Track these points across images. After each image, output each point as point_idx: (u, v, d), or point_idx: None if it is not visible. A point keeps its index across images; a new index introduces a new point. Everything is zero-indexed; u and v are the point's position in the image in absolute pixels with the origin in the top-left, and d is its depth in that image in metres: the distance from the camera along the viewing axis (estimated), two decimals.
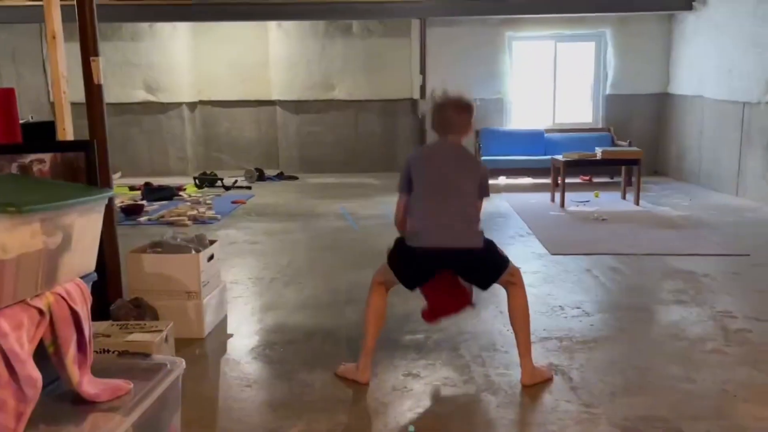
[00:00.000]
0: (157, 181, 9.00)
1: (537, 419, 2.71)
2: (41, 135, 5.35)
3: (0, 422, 1.57)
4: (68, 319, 1.79)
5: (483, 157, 8.35)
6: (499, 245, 3.12)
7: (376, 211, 7.26)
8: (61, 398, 1.85)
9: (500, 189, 8.42)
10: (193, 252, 3.63)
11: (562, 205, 7.27)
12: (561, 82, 9.89)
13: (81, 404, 1.82)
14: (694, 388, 2.92)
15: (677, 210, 7.02)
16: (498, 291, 4.27)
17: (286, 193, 8.60)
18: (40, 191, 1.88)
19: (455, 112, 3.03)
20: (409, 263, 2.99)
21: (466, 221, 2.95)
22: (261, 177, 9.63)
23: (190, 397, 2.79)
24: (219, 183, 9.07)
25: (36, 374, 1.64)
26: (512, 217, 6.76)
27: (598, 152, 7.51)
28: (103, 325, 3.05)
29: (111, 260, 3.73)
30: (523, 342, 3.02)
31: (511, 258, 3.12)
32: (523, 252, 5.33)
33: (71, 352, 1.80)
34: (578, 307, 4.01)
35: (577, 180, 8.98)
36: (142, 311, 3.41)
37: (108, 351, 2.82)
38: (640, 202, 7.36)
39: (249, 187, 8.98)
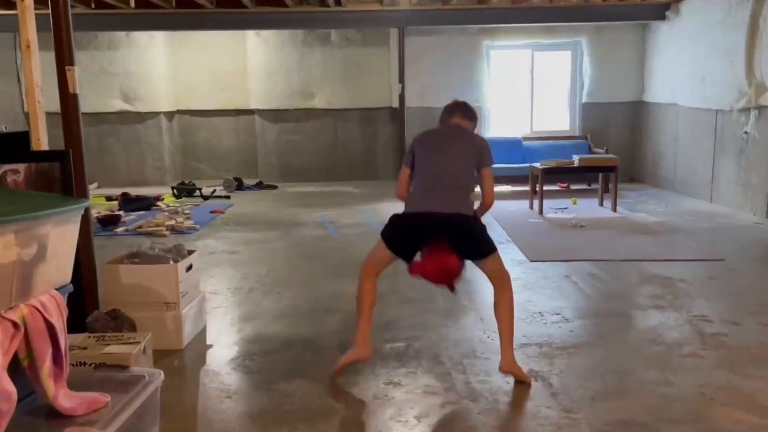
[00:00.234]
0: (134, 191, 8.91)
1: (518, 425, 2.71)
2: (15, 145, 5.23)
3: None
4: (43, 332, 1.76)
5: None
6: None
7: (356, 219, 7.26)
8: (37, 412, 1.81)
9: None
10: (171, 262, 3.60)
11: (541, 212, 7.33)
12: (538, 91, 10.00)
13: (57, 418, 1.79)
14: (672, 392, 2.95)
15: (654, 216, 7.12)
16: (478, 298, 4.31)
17: (266, 203, 8.56)
18: (14, 202, 1.85)
19: (461, 117, 3.37)
20: (402, 231, 3.18)
21: (459, 190, 3.15)
22: (240, 186, 9.58)
23: (169, 409, 2.76)
24: (197, 193, 9.00)
25: (10, 388, 1.61)
26: (491, 224, 6.79)
27: (576, 160, 7.60)
28: (80, 338, 3.00)
29: (87, 271, 3.68)
30: (506, 332, 3.13)
31: None
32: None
33: (46, 365, 1.77)
34: (558, 314, 4.04)
35: (555, 187, 9.07)
36: (120, 323, 3.36)
37: (84, 364, 2.77)
38: (617, 208, 7.45)
39: (228, 197, 8.93)
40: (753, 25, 6.85)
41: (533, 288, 4.59)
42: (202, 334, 3.81)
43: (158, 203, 8.30)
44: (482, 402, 2.89)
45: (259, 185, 9.87)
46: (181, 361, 3.44)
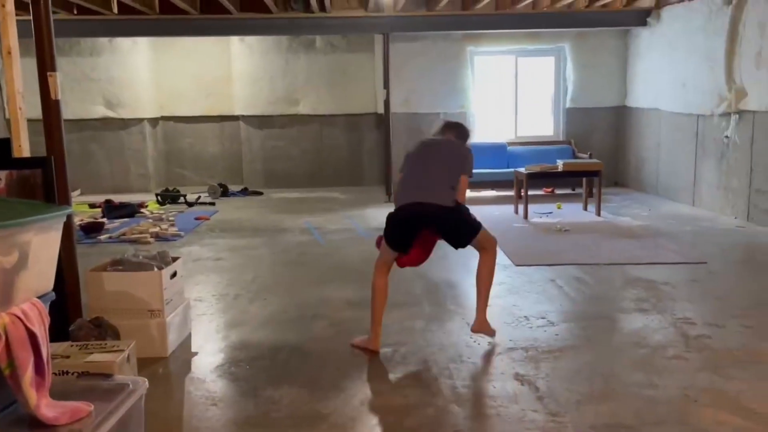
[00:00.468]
0: (118, 198, 8.84)
1: (504, 430, 2.72)
2: None
3: None
4: (25, 341, 1.74)
5: None
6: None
7: (342, 225, 7.26)
8: (19, 422, 1.79)
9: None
10: (156, 269, 3.57)
11: (526, 216, 7.37)
12: (522, 96, 10.07)
13: (39, 428, 1.76)
14: (657, 394, 2.97)
15: (637, 220, 7.18)
16: (464, 302, 4.32)
17: (251, 209, 8.53)
18: None
19: (454, 136, 3.77)
20: (396, 226, 3.55)
21: (441, 185, 3.51)
22: (225, 193, 9.54)
23: (153, 418, 2.73)
24: (182, 199, 8.95)
25: None
26: None
27: (560, 164, 7.65)
28: (62, 346, 2.96)
29: (70, 279, 3.63)
30: (482, 298, 3.63)
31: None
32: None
33: (28, 375, 1.75)
34: (543, 317, 4.06)
35: (540, 192, 9.12)
36: (103, 331, 3.32)
37: (67, 372, 2.74)
38: (601, 212, 7.51)
39: (212, 203, 8.88)
40: (733, 31, 6.95)
41: (519, 292, 4.60)
42: (187, 341, 3.78)
43: (142, 210, 8.24)
44: (469, 406, 2.90)
45: (245, 191, 9.83)
46: (166, 368, 3.41)
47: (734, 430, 2.64)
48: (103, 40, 9.78)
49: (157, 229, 6.89)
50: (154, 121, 10.38)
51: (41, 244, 1.82)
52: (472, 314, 4.10)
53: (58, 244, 1.93)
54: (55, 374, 2.12)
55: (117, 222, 7.53)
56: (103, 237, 6.76)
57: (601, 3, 8.58)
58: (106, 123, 10.08)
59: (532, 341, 3.66)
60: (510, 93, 10.05)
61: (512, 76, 9.98)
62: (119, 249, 5.68)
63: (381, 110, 9.68)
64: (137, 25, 8.73)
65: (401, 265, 3.74)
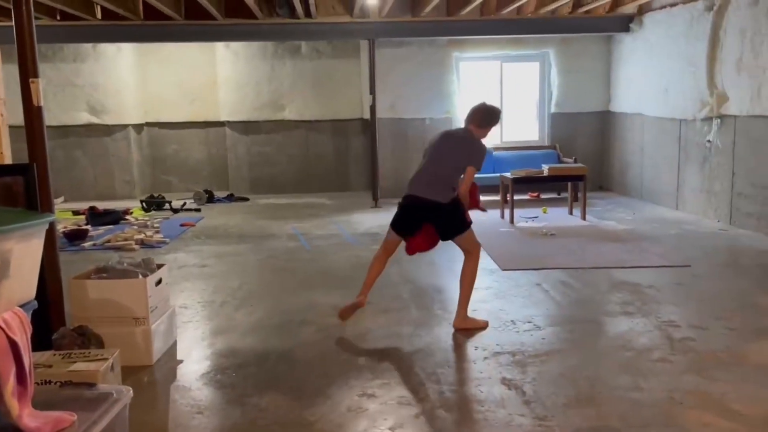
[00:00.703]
0: (102, 205, 8.76)
1: None
2: None
3: None
4: (6, 350, 1.72)
5: None
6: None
7: (329, 231, 7.24)
8: None
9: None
10: (140, 276, 3.54)
11: (512, 221, 7.40)
12: (508, 101, 10.12)
13: None
14: (643, 397, 2.99)
15: (622, 224, 7.24)
16: (451, 306, 4.33)
17: (237, 215, 8.49)
18: None
19: (474, 125, 4.16)
20: (399, 212, 4.07)
21: (441, 183, 3.93)
22: (210, 199, 9.49)
23: (138, 427, 2.70)
24: (167, 206, 8.89)
25: None
26: None
27: (545, 169, 7.70)
28: (45, 356, 2.93)
29: (53, 287, 3.59)
30: (462, 296, 3.97)
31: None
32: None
33: (10, 384, 1.72)
34: (530, 321, 4.07)
35: (526, 197, 9.17)
36: (87, 339, 3.29)
37: (50, 382, 2.71)
38: (587, 216, 7.56)
39: (198, 210, 8.83)
40: (714, 37, 7.04)
41: (505, 296, 4.62)
42: (172, 349, 3.75)
43: (127, 217, 8.18)
44: (456, 411, 2.90)
45: (230, 198, 9.79)
46: (151, 377, 3.38)
47: None
48: (87, 46, 9.71)
49: (142, 236, 6.83)
50: (138, 128, 10.31)
51: (23, 252, 1.80)
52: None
53: (40, 252, 1.91)
54: (38, 384, 2.10)
55: (101, 229, 7.47)
56: (87, 244, 6.70)
57: (585, 9, 8.65)
58: (90, 129, 10.00)
59: (518, 345, 3.67)
60: (495, 98, 10.09)
61: (497, 81, 10.04)
62: (104, 256, 5.63)
63: (367, 116, 9.68)
64: (121, 30, 8.68)
65: (411, 252, 4.10)
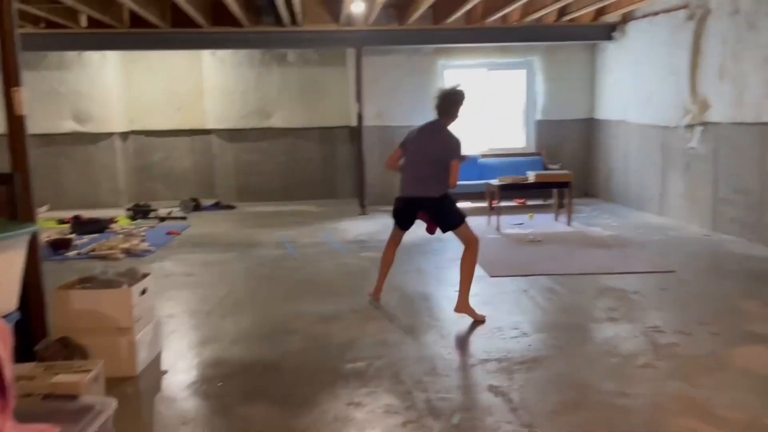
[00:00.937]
0: (87, 213, 8.68)
1: None
2: None
3: None
4: None
5: None
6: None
7: (316, 238, 7.23)
8: None
9: None
10: (125, 286, 3.52)
11: (498, 228, 7.43)
12: (494, 109, 10.17)
13: None
14: (628, 403, 3.00)
15: (607, 230, 7.28)
16: (439, 314, 4.34)
17: (223, 223, 8.45)
18: None
19: (442, 116, 4.43)
20: (398, 209, 4.48)
21: (431, 179, 4.26)
22: (197, 207, 9.44)
23: None
24: (153, 214, 8.83)
25: None
26: (450, 241, 6.81)
27: (531, 176, 7.74)
28: (27, 368, 2.89)
29: (35, 298, 3.54)
30: (463, 284, 4.27)
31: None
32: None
33: None
34: (516, 328, 4.09)
35: (512, 203, 9.21)
36: (71, 351, 3.25)
37: (32, 394, 2.67)
38: (572, 223, 7.61)
39: (184, 218, 8.78)
40: (695, 45, 7.13)
41: (492, 303, 4.63)
42: (157, 359, 3.72)
43: (112, 226, 8.11)
44: (443, 420, 2.89)
45: (217, 206, 9.75)
46: (136, 388, 3.35)
47: None
48: (72, 54, 9.65)
49: (127, 245, 6.78)
50: (124, 136, 10.25)
51: (5, 263, 1.79)
52: (447, 327, 4.15)
53: (22, 262, 1.90)
54: (20, 396, 2.07)
55: (86, 238, 7.40)
56: (71, 253, 6.63)
57: (569, 18, 8.73)
58: (75, 137, 9.92)
59: (505, 352, 3.67)
60: (482, 106, 10.15)
61: (484, 89, 10.09)
62: (88, 266, 5.58)
63: (354, 123, 9.70)
64: (106, 38, 8.64)
65: (432, 232, 4.50)
